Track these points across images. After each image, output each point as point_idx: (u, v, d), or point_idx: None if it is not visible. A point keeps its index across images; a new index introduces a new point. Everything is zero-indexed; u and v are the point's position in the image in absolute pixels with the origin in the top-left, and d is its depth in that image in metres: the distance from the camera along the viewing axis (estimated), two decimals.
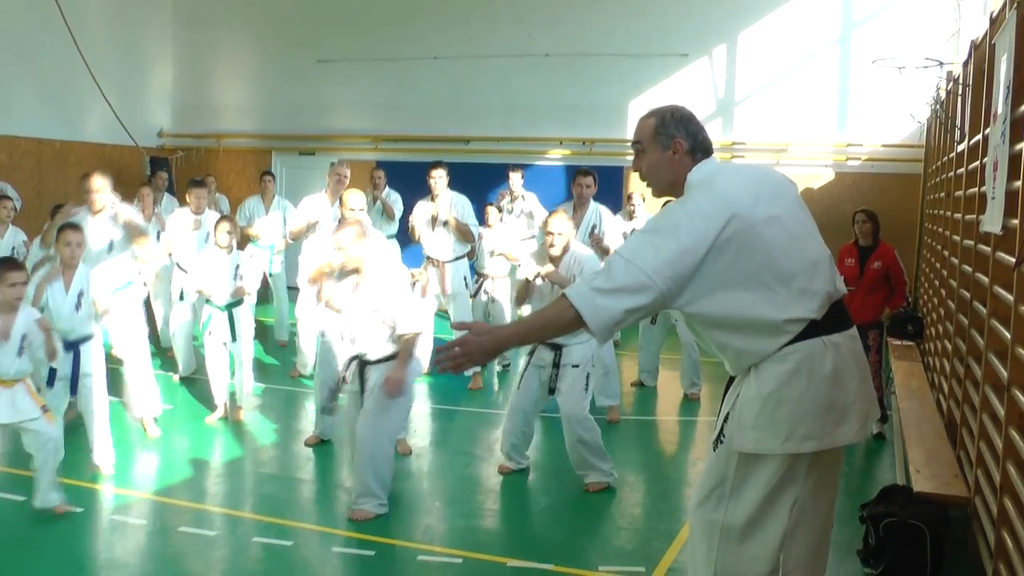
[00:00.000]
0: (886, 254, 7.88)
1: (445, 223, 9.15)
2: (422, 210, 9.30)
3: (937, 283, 8.75)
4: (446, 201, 9.15)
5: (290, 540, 5.35)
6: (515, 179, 10.30)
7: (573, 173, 12.72)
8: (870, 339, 7.54)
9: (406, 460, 6.88)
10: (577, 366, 6.26)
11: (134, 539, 5.39)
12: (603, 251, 7.77)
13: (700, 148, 3.31)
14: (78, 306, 6.08)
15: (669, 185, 3.35)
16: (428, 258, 9.31)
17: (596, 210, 8.42)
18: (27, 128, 13.93)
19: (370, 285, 5.73)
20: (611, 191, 13.60)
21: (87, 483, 6.08)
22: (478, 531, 5.66)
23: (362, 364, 5.83)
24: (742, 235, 3.08)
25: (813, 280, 3.18)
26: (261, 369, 9.23)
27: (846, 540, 5.21)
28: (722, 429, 3.33)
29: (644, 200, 10.29)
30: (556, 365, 6.29)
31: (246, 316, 7.80)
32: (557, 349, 6.27)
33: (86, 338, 6.18)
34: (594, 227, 8.27)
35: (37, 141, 14.11)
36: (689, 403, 8.74)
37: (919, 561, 4.86)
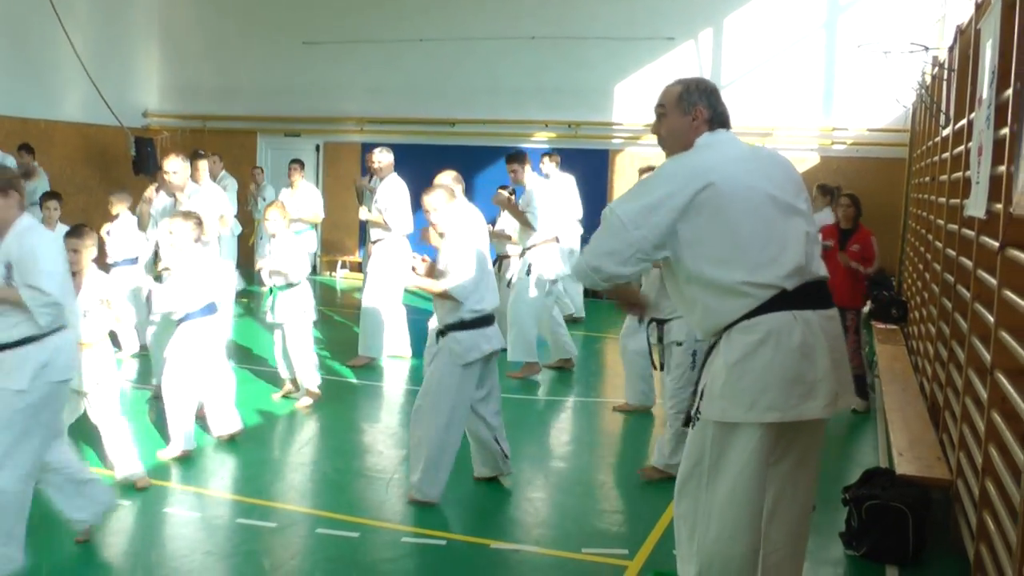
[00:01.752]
0: (864, 238, 8.05)
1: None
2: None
3: (921, 267, 8.78)
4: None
5: (273, 522, 5.35)
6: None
7: (562, 156, 12.73)
8: (848, 320, 7.63)
9: (396, 444, 6.89)
10: (681, 344, 5.96)
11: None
12: None
13: (718, 120, 3.47)
14: (86, 313, 5.64)
15: (683, 149, 3.48)
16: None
17: None
18: (11, 107, 13.83)
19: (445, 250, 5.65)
20: (596, 174, 13.73)
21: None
22: (462, 513, 5.66)
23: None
24: (716, 201, 3.24)
25: (783, 252, 3.28)
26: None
27: (829, 523, 5.24)
28: (698, 405, 3.38)
29: None
30: (660, 341, 6.23)
31: (291, 299, 7.68)
32: (661, 324, 6.12)
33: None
34: None
35: (21, 120, 14.00)
36: None
37: (901, 543, 4.89)
